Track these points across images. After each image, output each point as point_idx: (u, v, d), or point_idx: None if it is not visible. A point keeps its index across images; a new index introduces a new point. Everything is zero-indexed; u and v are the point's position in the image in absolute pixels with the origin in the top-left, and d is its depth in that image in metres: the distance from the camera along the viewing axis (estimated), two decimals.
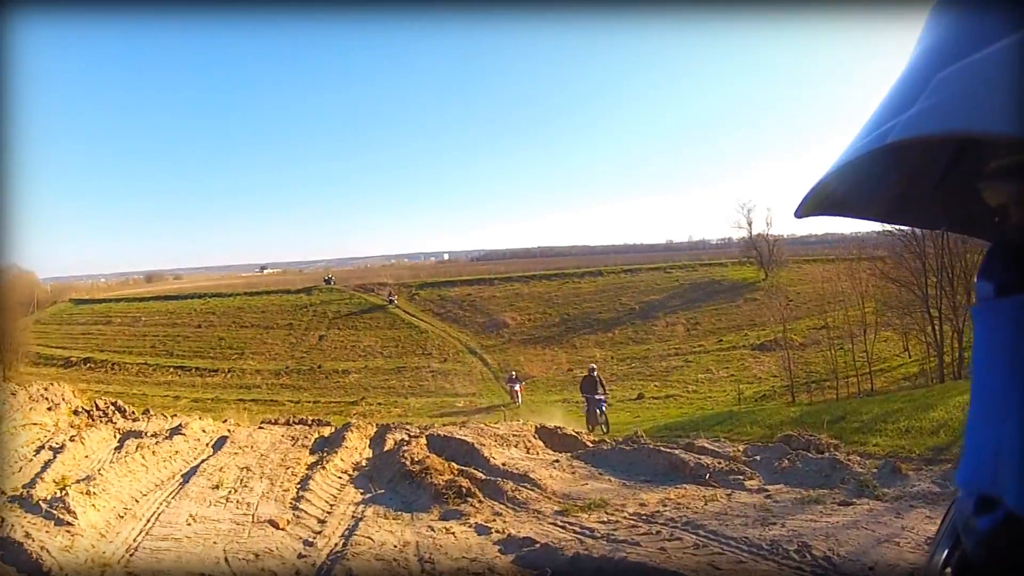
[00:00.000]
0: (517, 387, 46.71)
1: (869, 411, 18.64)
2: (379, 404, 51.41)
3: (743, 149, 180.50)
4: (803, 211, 1.20)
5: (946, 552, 1.12)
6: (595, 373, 31.86)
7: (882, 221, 1.42)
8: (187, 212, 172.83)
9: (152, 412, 23.87)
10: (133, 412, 23.38)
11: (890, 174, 1.16)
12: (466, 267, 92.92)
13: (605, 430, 28.45)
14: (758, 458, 13.93)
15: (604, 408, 30.93)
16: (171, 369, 61.05)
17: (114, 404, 23.68)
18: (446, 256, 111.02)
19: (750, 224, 74.19)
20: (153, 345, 66.28)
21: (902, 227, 33.79)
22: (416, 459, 14.70)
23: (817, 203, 1.18)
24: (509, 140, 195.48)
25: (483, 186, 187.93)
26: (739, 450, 14.77)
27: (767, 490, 12.13)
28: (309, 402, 51.88)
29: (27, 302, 71.48)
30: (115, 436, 18.25)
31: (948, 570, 1.10)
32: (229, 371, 60.35)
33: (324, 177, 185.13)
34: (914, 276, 38.01)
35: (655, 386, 49.93)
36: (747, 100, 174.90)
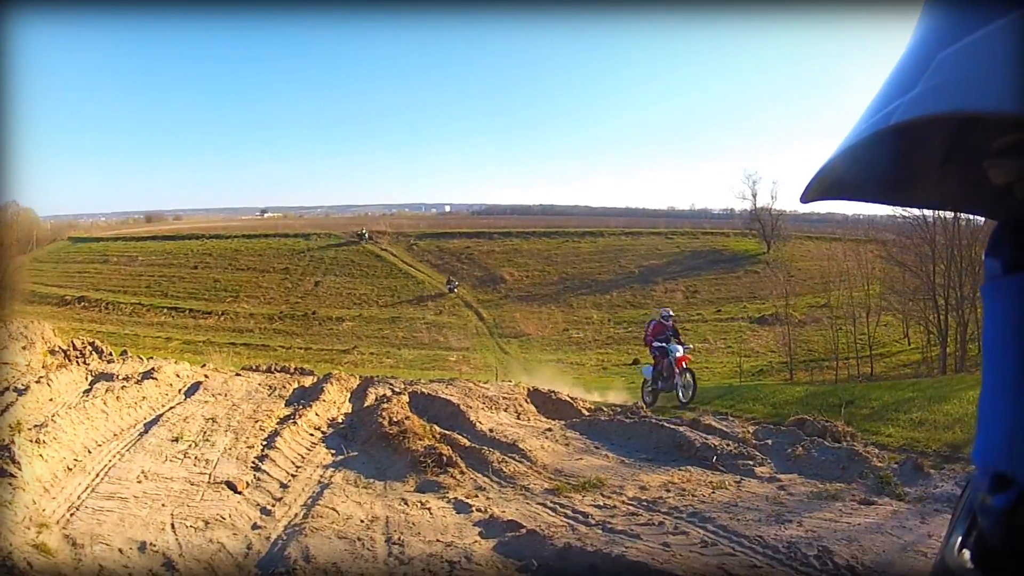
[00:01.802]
0: (679, 353, 23.01)
1: (879, 397, 18.08)
2: (371, 354, 51.22)
3: (751, 125, 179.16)
4: (809, 196, 1.22)
5: (963, 532, 1.08)
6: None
7: (888, 203, 1.43)
8: (189, 152, 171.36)
9: (129, 354, 23.18)
10: (110, 353, 22.62)
11: (895, 155, 1.13)
12: (466, 220, 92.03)
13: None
14: (769, 442, 13.04)
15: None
16: (165, 310, 60.88)
17: (91, 344, 23.04)
18: (447, 208, 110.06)
19: (754, 196, 73.22)
20: (148, 285, 65.94)
21: (912, 211, 35.54)
22: (395, 419, 13.82)
23: (823, 187, 1.19)
24: (517, 100, 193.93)
25: (488, 142, 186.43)
26: (748, 432, 13.89)
27: (779, 479, 11.24)
28: (301, 348, 51.63)
29: (26, 240, 71.10)
30: (86, 378, 17.41)
31: (966, 550, 1.06)
32: (223, 314, 60.17)
33: (328, 122, 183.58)
34: (921, 261, 37.41)
35: None
36: (759, 81, 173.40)
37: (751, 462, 11.99)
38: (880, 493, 10.28)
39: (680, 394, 22.33)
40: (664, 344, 23.45)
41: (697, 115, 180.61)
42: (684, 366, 23.07)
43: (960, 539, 1.07)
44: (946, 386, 19.51)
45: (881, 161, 1.12)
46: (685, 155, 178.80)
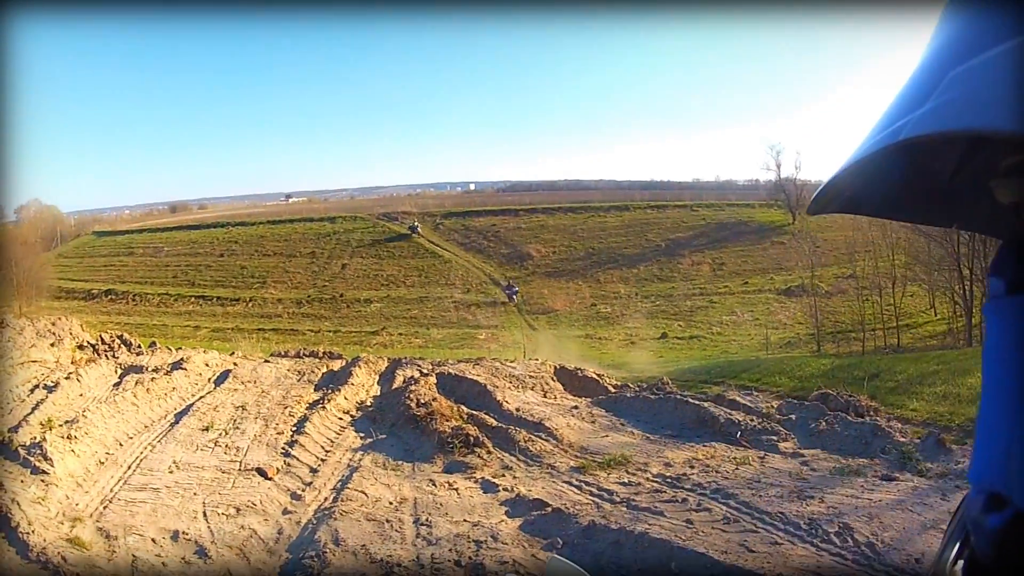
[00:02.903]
0: None
1: (903, 370, 18.05)
2: (400, 334, 51.07)
3: (775, 94, 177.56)
4: (816, 208, 1.22)
5: (956, 548, 1.09)
6: None
7: (894, 218, 1.43)
8: (212, 141, 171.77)
9: (158, 345, 23.33)
10: (139, 345, 22.77)
11: (902, 171, 1.14)
12: (491, 197, 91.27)
13: None
14: (793, 417, 13.12)
15: None
16: (192, 299, 60.54)
17: (120, 337, 23.16)
18: (472, 186, 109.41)
19: (779, 167, 72.64)
20: (175, 275, 65.53)
21: None
22: (422, 401, 13.96)
23: (830, 200, 1.20)
24: (537, 72, 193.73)
25: (511, 117, 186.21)
26: (772, 406, 14.04)
27: (803, 455, 11.33)
28: (329, 331, 51.44)
29: (50, 237, 71.01)
30: (116, 372, 17.65)
31: (958, 567, 1.06)
32: (250, 300, 59.84)
33: (350, 106, 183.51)
34: (945, 231, 36.75)
35: (679, 326, 49.40)
36: (783, 49, 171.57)
37: (775, 437, 12.09)
38: (902, 468, 10.40)
39: None
40: None
41: (722, 85, 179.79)
42: None
43: (954, 555, 1.09)
44: (971, 358, 19.44)
45: (889, 176, 1.13)
46: (710, 125, 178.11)
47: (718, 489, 9.63)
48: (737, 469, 10.63)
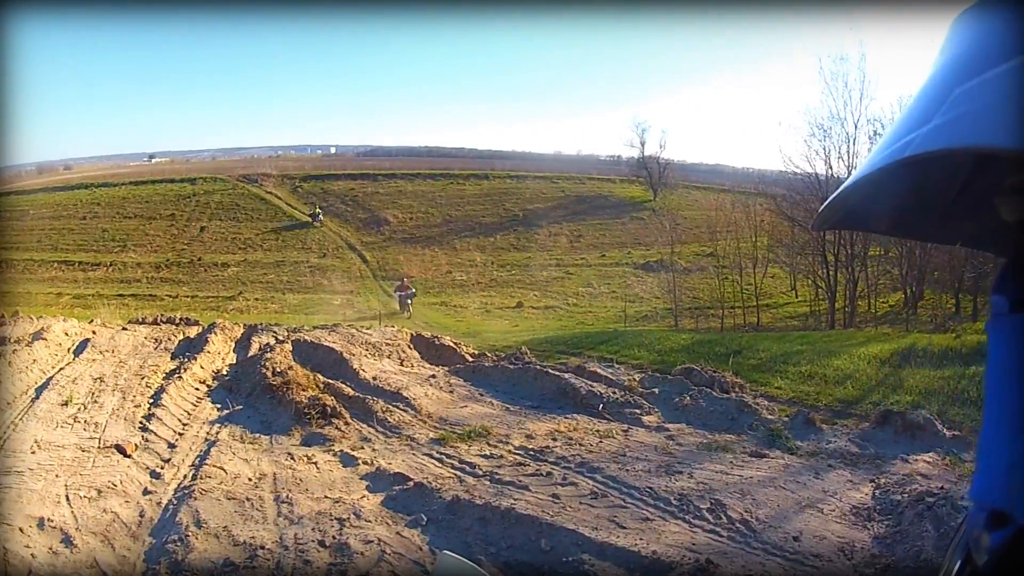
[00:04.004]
0: None
1: (766, 348, 18.31)
2: (256, 299, 50.12)
3: (639, 72, 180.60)
4: (821, 223, 1.23)
5: (958, 566, 1.08)
6: None
7: (898, 235, 1.61)
8: (75, 96, 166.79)
9: (20, 314, 22.35)
10: (2, 315, 21.81)
11: (908, 188, 1.17)
12: (351, 162, 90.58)
13: None
14: (656, 391, 13.13)
15: None
16: (55, 264, 58.41)
17: None
18: (333, 150, 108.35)
19: (643, 144, 73.48)
20: (39, 240, 63.02)
21: (803, 166, 38.71)
22: (278, 370, 13.53)
23: (835, 215, 1.21)
24: (398, 41, 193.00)
25: (373, 80, 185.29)
26: (635, 380, 13.95)
27: (668, 429, 11.33)
28: (187, 296, 50.19)
29: None
30: None
31: None
32: (111, 265, 57.97)
33: (212, 62, 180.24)
34: (811, 217, 37.40)
35: (535, 296, 49.52)
36: (650, 32, 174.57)
37: (638, 411, 12.04)
38: (771, 446, 10.45)
39: None
40: None
41: (585, 62, 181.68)
42: None
43: (956, 572, 1.05)
44: (835, 341, 19.99)
45: (894, 193, 1.15)
46: (572, 102, 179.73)
47: (583, 463, 9.50)
48: (601, 442, 10.54)
